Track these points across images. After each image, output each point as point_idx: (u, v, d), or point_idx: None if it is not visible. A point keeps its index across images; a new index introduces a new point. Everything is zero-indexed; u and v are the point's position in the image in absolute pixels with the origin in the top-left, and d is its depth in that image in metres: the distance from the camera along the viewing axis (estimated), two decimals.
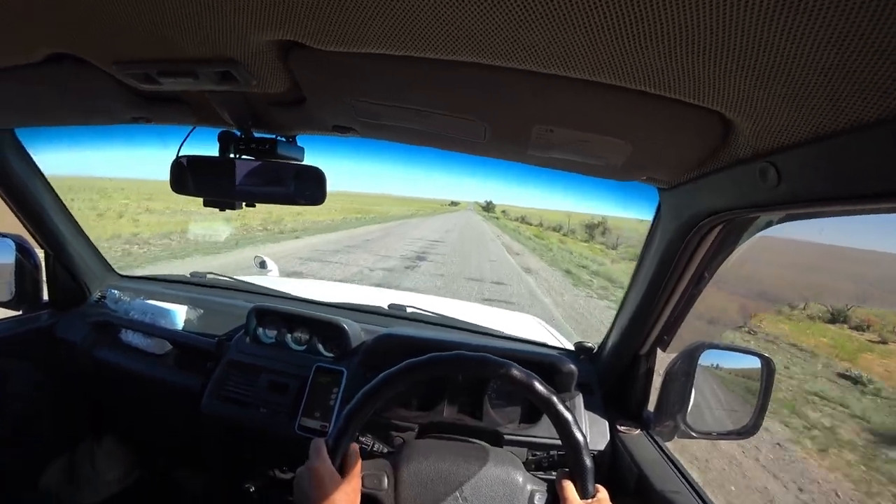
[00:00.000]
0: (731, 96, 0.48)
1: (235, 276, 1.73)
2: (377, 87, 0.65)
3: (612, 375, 1.18)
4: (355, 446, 0.77)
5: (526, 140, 0.73)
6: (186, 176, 0.92)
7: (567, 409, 0.77)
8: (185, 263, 9.36)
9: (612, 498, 0.78)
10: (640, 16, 0.37)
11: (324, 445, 0.73)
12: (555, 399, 0.77)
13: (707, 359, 1.13)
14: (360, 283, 8.62)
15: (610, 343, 1.19)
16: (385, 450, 0.91)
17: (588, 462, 0.76)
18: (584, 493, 0.75)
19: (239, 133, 0.89)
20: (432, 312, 1.53)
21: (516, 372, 0.78)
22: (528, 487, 0.80)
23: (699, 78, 0.45)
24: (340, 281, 8.70)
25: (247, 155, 0.89)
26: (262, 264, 2.17)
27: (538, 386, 0.78)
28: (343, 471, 0.72)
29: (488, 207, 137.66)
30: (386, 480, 0.78)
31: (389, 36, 0.50)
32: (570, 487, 0.75)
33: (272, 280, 2.01)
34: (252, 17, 0.50)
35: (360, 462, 0.75)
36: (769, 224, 0.81)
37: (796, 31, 0.34)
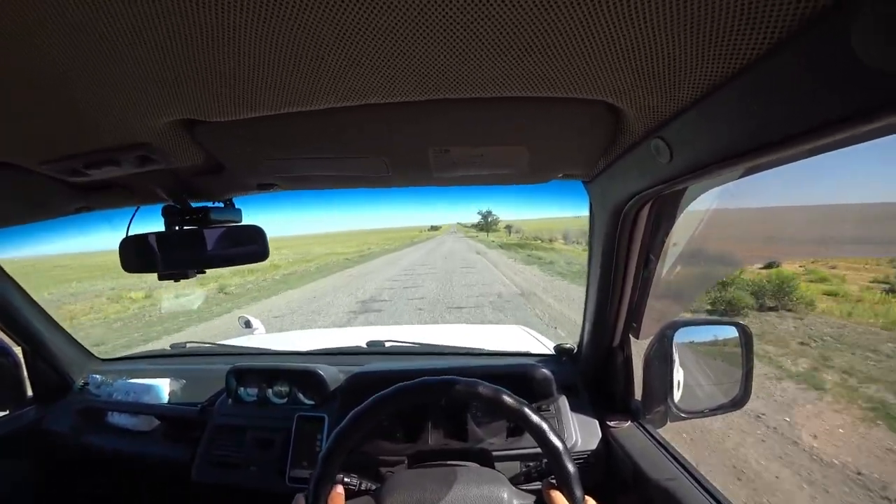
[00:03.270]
0: (608, 84, 0.50)
1: (216, 342, 1.73)
2: (283, 144, 0.68)
3: (594, 372, 1.18)
4: (338, 490, 0.76)
5: (426, 165, 0.76)
6: (136, 254, 0.95)
7: (541, 416, 0.77)
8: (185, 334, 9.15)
9: (609, 495, 0.78)
10: (506, 28, 0.39)
11: (302, 499, 0.73)
12: (525, 409, 0.77)
13: (683, 337, 1.13)
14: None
15: (585, 341, 1.20)
16: (374, 487, 0.91)
17: (570, 467, 0.75)
18: (571, 500, 0.74)
19: (178, 206, 0.91)
20: (412, 343, 1.53)
21: (483, 389, 0.78)
22: (514, 502, 0.80)
23: (575, 74, 0.48)
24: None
25: (189, 225, 0.91)
26: (247, 324, 2.18)
27: (507, 399, 0.78)
28: None
29: (486, 225, 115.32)
30: None
31: (280, 99, 0.53)
32: (557, 496, 0.74)
33: (252, 339, 2.02)
34: (146, 103, 0.54)
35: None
36: (695, 196, 0.83)
37: (639, 12, 0.37)
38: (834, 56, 0.33)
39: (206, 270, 0.95)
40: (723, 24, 0.37)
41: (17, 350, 1.43)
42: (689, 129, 0.54)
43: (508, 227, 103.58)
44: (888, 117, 0.32)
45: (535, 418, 0.77)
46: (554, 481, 0.77)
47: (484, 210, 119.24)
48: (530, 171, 0.81)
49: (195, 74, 0.46)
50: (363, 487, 0.91)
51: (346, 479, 0.89)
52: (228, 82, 0.48)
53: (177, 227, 0.92)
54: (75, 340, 1.53)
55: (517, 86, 0.51)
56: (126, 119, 0.57)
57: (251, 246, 0.90)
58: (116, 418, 1.36)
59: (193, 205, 0.90)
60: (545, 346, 1.71)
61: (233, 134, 0.63)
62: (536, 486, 1.00)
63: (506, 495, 0.80)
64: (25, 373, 1.44)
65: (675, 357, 1.11)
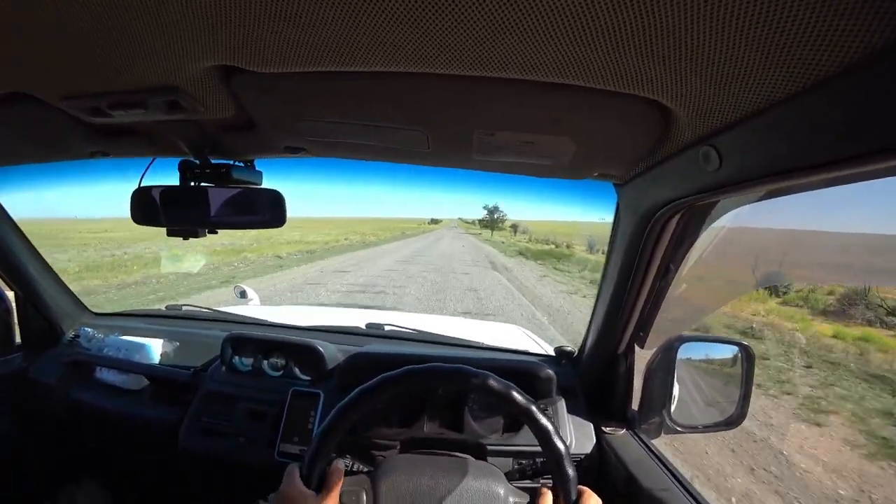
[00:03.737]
0: (665, 84, 0.49)
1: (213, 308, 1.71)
2: (320, 105, 0.66)
3: (594, 377, 1.18)
4: (339, 464, 0.75)
5: (468, 146, 0.74)
6: (147, 207, 0.93)
7: (548, 418, 0.76)
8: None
9: (601, 499, 0.77)
10: (571, 13, 0.38)
11: (296, 469, 0.72)
12: (534, 408, 0.76)
13: (686, 352, 1.13)
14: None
15: (588, 345, 1.19)
16: (365, 469, 0.90)
17: (570, 471, 0.75)
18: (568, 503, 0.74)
19: (197, 161, 0.89)
20: (411, 329, 1.52)
21: (493, 382, 0.76)
22: (511, 500, 0.79)
23: (633, 69, 0.46)
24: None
25: (206, 182, 0.90)
26: (243, 294, 2.15)
27: (516, 395, 0.76)
28: (324, 489, 0.71)
29: (491, 222, 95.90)
30: (365, 496, 0.77)
31: (326, 53, 0.50)
32: (549, 498, 0.74)
33: (249, 308, 1.99)
34: (186, 44, 0.51)
35: (340, 479, 0.74)
36: (725, 211, 0.82)
37: (715, 15, 0.36)
38: (886, 90, 0.33)
39: (218, 231, 0.94)
40: (796, 40, 0.36)
41: (10, 295, 1.40)
42: (744, 141, 0.53)
43: (514, 227, 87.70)
44: None
45: (542, 418, 0.76)
46: (550, 483, 0.77)
47: (491, 205, 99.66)
48: (570, 165, 0.79)
49: (240, 16, 0.44)
50: (355, 469, 0.90)
51: (340, 460, 0.88)
52: (274, 28, 0.46)
53: (192, 183, 0.90)
54: (70, 291, 1.50)
55: (570, 73, 0.49)
56: (161, 59, 0.54)
57: (268, 211, 0.88)
58: (105, 374, 1.33)
59: (213, 161, 0.88)
60: (541, 348, 1.70)
61: (270, 87, 0.61)
62: (528, 483, 1.00)
63: (502, 491, 0.79)
64: (15, 318, 1.41)
65: (675, 371, 1.11)
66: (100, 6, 0.44)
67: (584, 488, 0.76)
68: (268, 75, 0.57)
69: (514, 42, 0.44)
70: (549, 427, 0.75)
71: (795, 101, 0.43)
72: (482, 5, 0.39)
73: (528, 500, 0.80)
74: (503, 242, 40.19)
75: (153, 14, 0.44)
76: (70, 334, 1.46)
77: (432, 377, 0.76)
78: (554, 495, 0.75)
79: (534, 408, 0.75)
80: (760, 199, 0.71)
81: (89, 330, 1.43)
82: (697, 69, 0.44)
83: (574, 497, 0.74)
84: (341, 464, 0.74)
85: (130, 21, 0.46)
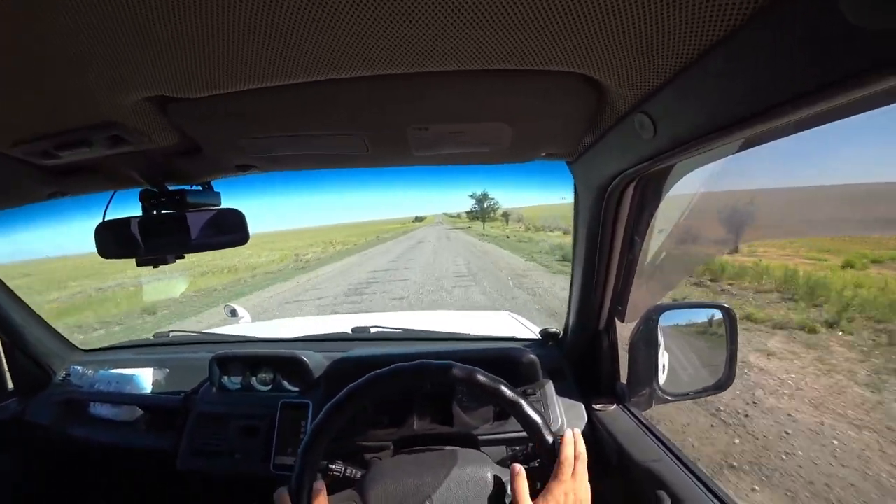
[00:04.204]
0: (589, 56, 0.49)
1: (200, 331, 1.71)
2: (258, 121, 0.66)
3: (580, 356, 1.19)
4: (319, 485, 0.75)
5: (405, 143, 0.74)
6: (112, 240, 0.93)
7: (517, 393, 0.77)
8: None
9: (595, 477, 0.78)
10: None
11: (286, 494, 0.72)
12: (501, 386, 0.76)
13: (668, 320, 1.14)
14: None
15: (570, 325, 1.20)
16: (359, 474, 0.90)
17: (549, 438, 0.76)
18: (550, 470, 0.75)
19: (155, 189, 0.89)
20: (396, 328, 1.52)
21: (457, 371, 0.77)
22: (498, 481, 0.80)
23: (556, 46, 0.47)
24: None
25: (167, 209, 0.90)
26: (233, 312, 2.16)
27: (481, 378, 0.77)
28: None
29: (481, 212, 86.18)
30: None
31: (251, 72, 0.51)
32: (522, 475, 0.74)
33: (237, 327, 2.00)
34: (114, 80, 0.52)
35: (325, 499, 0.74)
36: (682, 175, 0.83)
37: None
38: (819, 18, 0.32)
39: (186, 256, 0.94)
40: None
41: None
42: (672, 103, 0.53)
43: (505, 215, 77.57)
44: (878, 80, 0.31)
45: (510, 394, 0.76)
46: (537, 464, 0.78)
47: (478, 193, 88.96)
48: (512, 149, 0.79)
49: (164, 48, 0.45)
50: (348, 474, 0.91)
51: (331, 466, 0.89)
52: (199, 56, 0.47)
53: (154, 212, 0.90)
54: (55, 331, 1.50)
55: (497, 58, 0.49)
56: (94, 97, 0.55)
57: (231, 230, 0.88)
58: (99, 409, 1.34)
59: (171, 188, 0.88)
60: (532, 332, 1.71)
61: (207, 111, 0.62)
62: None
63: (489, 474, 0.80)
64: (6, 365, 1.41)
65: (661, 340, 1.12)
66: (23, 53, 0.44)
67: (564, 448, 0.76)
68: (202, 100, 0.58)
69: (436, 35, 0.44)
70: (520, 400, 0.76)
71: (711, 56, 0.44)
72: (397, 3, 0.39)
73: None
74: (508, 238, 31.47)
75: (74, 55, 0.45)
76: (61, 374, 1.47)
77: (396, 378, 0.77)
78: (540, 465, 0.76)
79: (501, 386, 0.75)
80: (715, 159, 0.71)
81: (79, 368, 1.44)
82: (616, 38, 0.44)
83: (553, 456, 0.75)
84: (321, 483, 0.75)
85: (56, 63, 0.47)
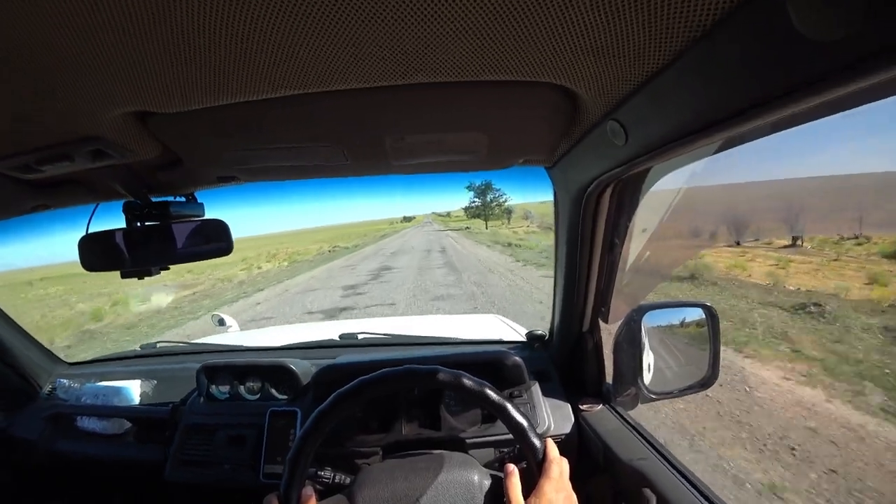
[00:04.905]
0: (562, 67, 0.51)
1: (186, 341, 1.70)
2: (238, 134, 0.67)
3: (565, 358, 1.20)
4: (308, 491, 0.76)
5: (383, 153, 0.76)
6: (96, 252, 0.92)
7: (502, 396, 0.78)
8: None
9: (581, 476, 0.79)
10: (461, 13, 0.40)
11: (275, 499, 0.73)
12: (486, 390, 0.77)
13: (651, 320, 1.16)
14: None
15: (556, 327, 1.22)
16: (348, 480, 0.91)
17: (536, 442, 0.77)
18: (538, 473, 0.76)
19: (139, 202, 0.89)
20: (384, 334, 1.53)
21: (442, 375, 0.78)
22: (486, 482, 0.81)
23: (527, 56, 0.48)
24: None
25: (151, 221, 0.90)
26: (221, 322, 2.15)
27: (466, 382, 0.77)
28: None
29: (483, 207, 69.74)
30: None
31: (232, 87, 0.52)
32: (515, 474, 0.75)
33: (225, 336, 1.99)
34: (94, 96, 0.53)
35: None
36: (658, 177, 0.85)
37: None
38: (773, 29, 0.33)
39: (170, 267, 0.94)
40: (665, 4, 0.38)
41: None
42: (641, 111, 0.55)
43: (508, 212, 65.29)
44: (830, 88, 0.33)
45: (495, 397, 0.77)
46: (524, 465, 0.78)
47: (479, 183, 70.72)
48: (489, 157, 0.81)
49: (143, 65, 0.46)
50: (337, 480, 0.91)
51: (320, 473, 0.89)
52: (181, 72, 0.47)
53: (138, 224, 0.90)
54: (40, 345, 1.48)
55: (472, 69, 0.51)
56: (75, 112, 0.56)
57: (215, 240, 0.89)
58: (86, 422, 1.32)
59: (154, 199, 0.88)
60: (519, 334, 1.72)
61: (188, 125, 0.62)
62: None
63: (476, 477, 0.81)
64: None
65: (645, 340, 1.13)
66: (2, 52, 0.44)
67: (550, 447, 0.77)
68: (183, 114, 0.59)
69: (414, 49, 0.46)
70: (506, 403, 0.76)
71: (675, 66, 0.45)
72: (376, 20, 0.40)
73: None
74: (519, 245, 21.81)
75: (54, 71, 0.46)
76: (47, 388, 1.45)
77: (383, 384, 0.78)
78: (527, 467, 0.77)
79: (486, 389, 0.76)
80: (683, 163, 0.73)
81: (65, 381, 1.42)
82: (584, 48, 0.46)
83: (540, 457, 0.76)
84: (310, 490, 0.75)
85: (35, 79, 0.47)
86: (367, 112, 0.62)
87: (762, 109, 0.39)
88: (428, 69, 0.50)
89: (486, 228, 47.67)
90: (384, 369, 0.78)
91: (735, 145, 0.59)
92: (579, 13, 0.40)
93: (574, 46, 0.46)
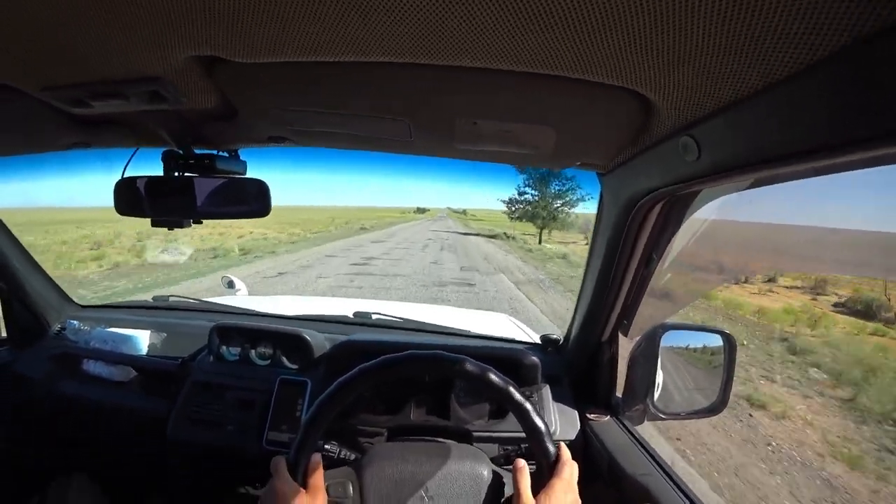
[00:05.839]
0: (646, 75, 0.50)
1: (198, 298, 1.70)
2: (303, 95, 0.66)
3: (579, 365, 1.20)
4: (317, 457, 0.76)
5: (451, 134, 0.75)
6: (130, 197, 0.92)
7: (525, 397, 0.78)
8: None
9: (584, 485, 0.79)
10: (551, 4, 0.39)
11: (284, 462, 0.73)
12: (511, 388, 0.77)
13: (669, 340, 1.15)
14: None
15: (573, 333, 1.21)
16: (353, 456, 0.91)
17: (551, 448, 0.76)
18: (549, 478, 0.75)
19: (180, 151, 0.89)
20: (398, 317, 1.53)
21: (470, 366, 0.78)
22: (494, 479, 0.81)
23: (614, 60, 0.47)
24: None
25: (189, 172, 0.89)
26: (230, 284, 2.15)
27: (493, 377, 0.78)
28: (307, 484, 0.72)
29: (538, 208, 34.27)
30: (351, 487, 0.78)
31: (308, 44, 0.51)
32: (525, 471, 0.75)
33: (237, 299, 1.99)
34: (167, 35, 0.51)
35: (321, 473, 0.74)
36: (707, 201, 0.84)
37: (693, 9, 0.37)
38: (863, 80, 0.35)
39: (203, 221, 0.94)
40: (770, 34, 0.37)
41: None
42: (720, 131, 0.54)
43: (551, 218, 35.18)
44: None
45: (519, 397, 0.77)
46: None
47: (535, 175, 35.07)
48: (553, 154, 0.80)
49: (222, 9, 0.44)
50: (342, 456, 0.91)
51: (326, 447, 0.89)
52: (257, 21, 0.46)
53: (176, 174, 0.89)
54: (55, 284, 1.49)
55: (551, 63, 0.50)
56: (142, 50, 0.54)
57: (252, 200, 0.88)
58: (92, 366, 1.33)
59: (197, 151, 0.88)
60: (529, 336, 1.72)
61: (253, 77, 0.61)
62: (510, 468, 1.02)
63: (486, 472, 0.81)
64: (1, 313, 1.40)
65: (659, 359, 1.13)
66: None
67: (563, 450, 0.77)
68: (251, 66, 0.57)
69: (497, 32, 0.45)
70: (527, 405, 0.76)
71: (768, 93, 0.45)
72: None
73: (511, 478, 0.82)
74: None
75: (132, 6, 0.44)
76: (56, 327, 1.46)
77: (410, 364, 0.77)
78: (537, 469, 0.77)
79: (511, 388, 0.77)
80: (739, 189, 0.72)
81: (76, 322, 1.42)
82: (677, 62, 0.45)
83: (553, 460, 0.75)
84: (318, 456, 0.75)
85: (108, 12, 0.46)
86: (440, 90, 0.61)
87: (836, 152, 0.40)
88: (509, 57, 0.49)
89: (541, 243, 29.16)
90: (411, 351, 0.78)
91: (795, 179, 0.59)
92: (676, 26, 0.39)
93: (662, 57, 0.45)
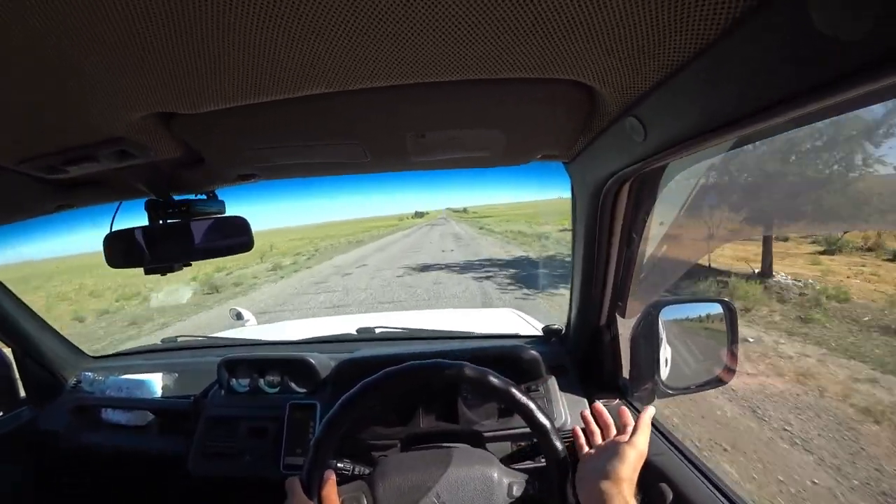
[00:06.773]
0: (582, 64, 0.51)
1: (207, 335, 1.73)
2: (261, 133, 0.68)
3: (582, 352, 1.20)
4: (329, 475, 0.77)
5: (403, 150, 0.76)
6: (122, 249, 0.94)
7: (528, 396, 0.79)
8: None
9: None
10: (480, 10, 0.40)
11: (298, 482, 0.75)
12: (512, 389, 0.79)
13: (669, 315, 1.15)
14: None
15: (572, 321, 1.22)
16: (367, 471, 0.92)
17: (559, 444, 0.77)
18: (563, 476, 0.77)
19: (161, 199, 0.91)
20: (401, 328, 1.54)
21: (469, 371, 0.79)
22: (505, 480, 0.82)
23: (547, 53, 0.48)
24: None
25: (172, 219, 0.91)
26: (238, 316, 2.18)
27: (493, 380, 0.79)
28: (321, 501, 0.74)
29: None
30: (365, 501, 0.80)
31: (253, 88, 0.53)
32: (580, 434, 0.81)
33: (244, 330, 2.02)
34: (119, 98, 0.54)
35: (335, 489, 0.76)
36: (676, 172, 0.84)
37: None
38: (793, 28, 0.34)
39: (192, 263, 0.96)
40: (686, 2, 0.38)
41: (7, 352, 1.42)
42: (660, 107, 0.55)
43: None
44: (848, 88, 0.33)
45: (521, 397, 0.78)
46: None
47: None
48: (508, 153, 0.81)
49: (167, 67, 0.46)
50: (356, 472, 0.93)
51: (339, 465, 0.91)
52: (202, 74, 0.48)
53: (161, 221, 0.92)
54: (65, 339, 1.52)
55: (490, 67, 0.51)
56: (100, 114, 0.57)
57: (236, 236, 0.90)
58: (110, 415, 1.36)
59: (176, 198, 0.90)
60: (535, 328, 1.73)
61: (210, 125, 0.64)
62: (528, 464, 1.03)
63: (496, 474, 0.82)
64: (17, 374, 1.44)
65: (662, 335, 1.13)
66: (24, 72, 0.46)
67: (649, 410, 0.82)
68: (204, 114, 0.60)
69: (436, 47, 0.46)
70: (530, 404, 0.78)
71: (694, 63, 0.46)
72: (397, 18, 0.40)
73: (523, 479, 0.83)
74: None
75: (83, 69, 0.47)
76: (72, 381, 1.49)
77: (410, 375, 0.79)
78: (546, 466, 0.78)
79: (512, 389, 0.78)
80: (702, 159, 0.73)
81: (90, 374, 1.46)
82: (603, 44, 0.46)
83: (561, 457, 0.78)
84: (332, 473, 0.77)
85: (61, 83, 0.49)
86: (389, 110, 0.62)
87: (780, 108, 0.39)
88: (448, 67, 0.50)
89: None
90: (411, 362, 0.79)
91: (753, 140, 0.59)
92: (598, 10, 0.40)
93: (593, 44, 0.46)
